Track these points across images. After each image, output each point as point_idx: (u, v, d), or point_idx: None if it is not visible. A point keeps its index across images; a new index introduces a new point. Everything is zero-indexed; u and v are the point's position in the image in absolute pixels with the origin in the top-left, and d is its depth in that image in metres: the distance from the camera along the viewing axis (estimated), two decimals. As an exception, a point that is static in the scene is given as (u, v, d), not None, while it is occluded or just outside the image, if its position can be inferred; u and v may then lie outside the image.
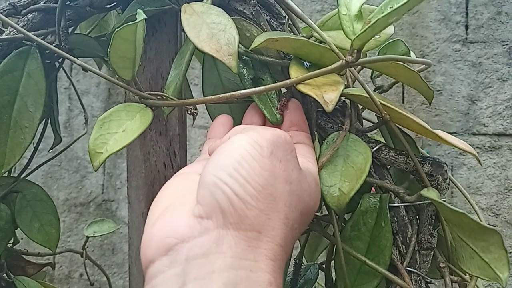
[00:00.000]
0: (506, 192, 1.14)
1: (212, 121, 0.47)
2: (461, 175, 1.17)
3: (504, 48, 1.10)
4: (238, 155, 0.27)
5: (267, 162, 0.27)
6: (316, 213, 0.39)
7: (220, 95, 0.33)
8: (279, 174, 0.27)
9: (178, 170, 0.53)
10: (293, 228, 0.27)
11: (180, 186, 0.29)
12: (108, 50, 0.34)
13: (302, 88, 0.32)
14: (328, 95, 0.31)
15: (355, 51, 0.29)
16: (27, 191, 0.56)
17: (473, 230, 0.32)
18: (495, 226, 1.15)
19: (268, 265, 0.25)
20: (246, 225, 0.25)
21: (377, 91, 0.41)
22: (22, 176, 0.56)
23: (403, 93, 1.18)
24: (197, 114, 0.38)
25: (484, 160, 1.18)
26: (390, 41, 0.39)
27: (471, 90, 1.15)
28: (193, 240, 0.25)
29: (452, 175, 1.07)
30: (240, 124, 0.45)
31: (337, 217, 0.37)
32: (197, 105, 0.65)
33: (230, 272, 0.24)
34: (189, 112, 0.37)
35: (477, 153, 1.21)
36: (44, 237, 0.55)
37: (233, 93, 0.33)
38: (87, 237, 0.74)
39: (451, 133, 1.31)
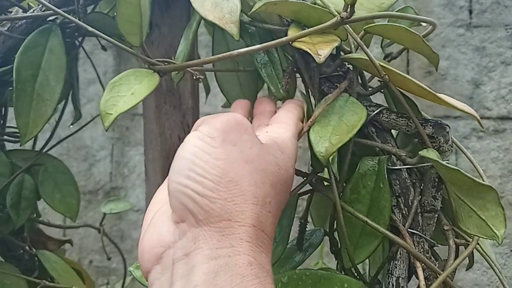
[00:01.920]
0: (510, 175, 1.13)
1: (223, 93, 0.47)
2: (465, 159, 1.16)
3: (508, 32, 1.08)
4: (191, 155, 0.27)
5: (220, 151, 0.27)
6: (319, 174, 0.39)
7: (220, 55, 0.33)
8: (235, 158, 0.27)
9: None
10: (266, 203, 0.27)
11: (166, 191, 0.29)
12: (115, 14, 0.34)
13: (297, 44, 0.32)
14: (321, 49, 0.31)
15: (349, 6, 0.29)
16: (49, 164, 0.57)
17: (470, 188, 0.31)
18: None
19: (245, 247, 0.25)
20: (214, 217, 0.25)
21: (386, 59, 0.41)
22: (44, 151, 0.57)
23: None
24: (202, 79, 0.38)
25: (488, 144, 1.16)
26: (400, 8, 0.39)
27: (475, 74, 1.14)
28: (175, 244, 0.26)
29: (456, 158, 1.06)
30: (252, 94, 0.46)
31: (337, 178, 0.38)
32: (206, 92, 0.66)
33: (209, 263, 0.24)
34: (194, 77, 0.37)
35: (481, 136, 1.20)
36: (65, 207, 0.56)
37: (231, 52, 0.33)
38: (104, 214, 0.75)
39: (455, 117, 1.30)
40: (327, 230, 0.43)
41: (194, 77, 0.36)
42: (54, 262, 0.62)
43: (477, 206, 0.32)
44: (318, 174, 0.39)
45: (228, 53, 0.33)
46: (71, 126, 0.58)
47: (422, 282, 0.33)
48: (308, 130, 0.34)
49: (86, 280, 0.71)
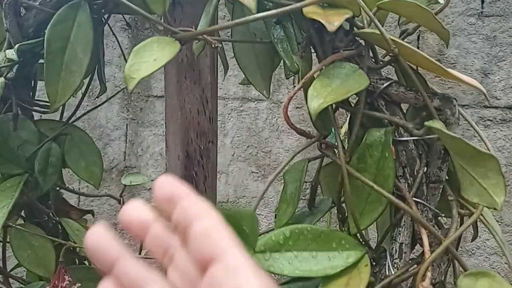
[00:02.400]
0: (516, 164, 1.14)
1: (241, 68, 0.49)
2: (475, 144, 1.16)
3: (519, 22, 1.07)
4: None
5: None
6: (325, 140, 0.41)
7: (237, 20, 0.35)
8: None
9: (210, 117, 0.56)
10: None
11: None
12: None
13: (311, 15, 0.34)
14: (333, 19, 0.33)
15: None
16: (75, 134, 0.59)
17: (472, 157, 0.33)
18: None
19: None
20: None
21: (401, 37, 0.42)
22: (70, 122, 0.60)
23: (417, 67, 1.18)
24: (220, 48, 0.40)
25: (494, 133, 1.17)
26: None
27: (485, 63, 1.14)
28: None
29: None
30: (268, 70, 0.47)
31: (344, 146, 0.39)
32: (224, 69, 0.67)
33: None
34: (213, 45, 0.38)
35: (488, 125, 1.20)
36: (89, 175, 0.58)
37: (247, 18, 0.35)
38: (125, 186, 0.78)
39: (463, 105, 1.30)
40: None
41: (213, 45, 0.38)
42: (77, 230, 0.65)
43: (478, 174, 0.33)
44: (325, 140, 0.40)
45: (244, 18, 0.35)
46: (97, 99, 0.61)
47: (427, 248, 0.35)
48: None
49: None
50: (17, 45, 0.48)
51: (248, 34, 0.45)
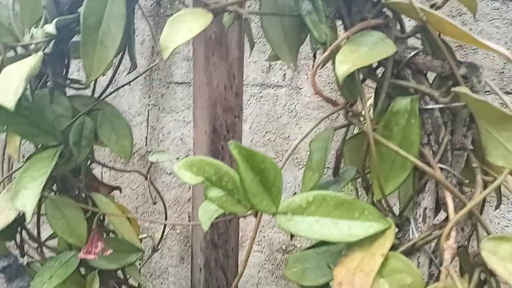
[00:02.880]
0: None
1: (268, 40, 0.50)
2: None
3: (544, 5, 1.06)
4: None
5: None
6: (351, 108, 0.42)
7: None
8: None
9: (236, 93, 0.58)
10: None
11: None
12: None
13: None
14: None
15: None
16: (106, 109, 0.61)
17: (497, 120, 0.34)
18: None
19: None
20: None
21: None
22: (101, 98, 0.62)
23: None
24: (250, 19, 0.41)
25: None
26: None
27: (508, 48, 1.13)
28: None
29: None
30: (295, 43, 0.48)
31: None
32: (250, 46, 0.69)
33: None
34: (244, 17, 0.39)
35: (510, 110, 1.19)
36: (120, 148, 0.60)
37: None
38: (152, 163, 0.80)
39: (485, 92, 1.29)
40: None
41: (243, 17, 0.39)
42: (106, 204, 0.68)
43: (504, 138, 0.34)
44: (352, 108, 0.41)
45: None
46: (128, 75, 0.63)
47: (451, 210, 0.36)
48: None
49: (133, 223, 0.76)
50: (55, 20, 0.50)
51: (275, 7, 0.46)
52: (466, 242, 0.39)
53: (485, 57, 1.15)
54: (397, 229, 0.42)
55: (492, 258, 0.36)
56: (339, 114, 1.20)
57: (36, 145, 0.57)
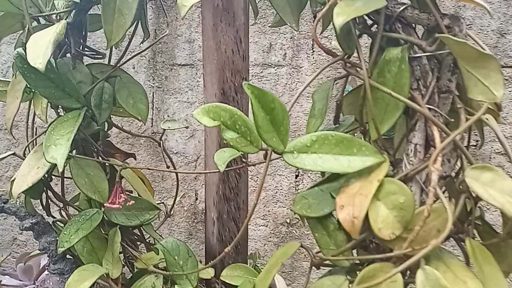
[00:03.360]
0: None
1: (272, 4, 0.55)
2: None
3: (534, -22, 1.11)
4: None
5: None
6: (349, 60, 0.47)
7: None
8: None
9: (243, 56, 0.63)
10: None
11: None
12: None
13: None
14: None
15: None
16: (123, 76, 0.67)
17: (476, 60, 0.39)
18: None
19: None
20: None
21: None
22: (118, 65, 0.67)
23: None
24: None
25: (509, 92, 1.21)
26: None
27: (501, 23, 1.17)
28: None
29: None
30: (297, 6, 0.53)
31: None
32: (255, 13, 0.73)
33: None
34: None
35: (504, 84, 1.24)
36: (137, 111, 0.66)
37: None
38: (164, 129, 0.86)
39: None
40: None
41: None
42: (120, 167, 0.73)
43: (481, 75, 0.39)
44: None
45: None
46: (142, 44, 0.68)
47: (438, 140, 0.41)
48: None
49: (148, 186, 0.82)
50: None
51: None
52: (452, 172, 0.44)
53: (479, 32, 1.20)
54: (391, 167, 0.47)
55: (475, 183, 0.41)
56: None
57: (61, 107, 0.62)
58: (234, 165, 0.62)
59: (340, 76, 0.49)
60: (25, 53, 0.53)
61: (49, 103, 0.61)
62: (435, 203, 0.41)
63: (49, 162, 0.54)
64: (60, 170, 0.52)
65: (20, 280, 0.80)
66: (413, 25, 0.46)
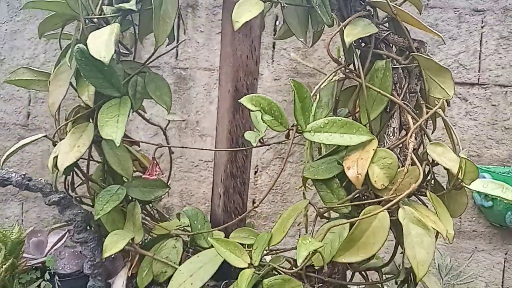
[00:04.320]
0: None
1: (287, 23, 0.73)
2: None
3: (455, 14, 1.41)
4: None
5: None
6: (349, 67, 0.67)
7: None
8: None
9: (256, 61, 0.81)
10: None
11: None
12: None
13: None
14: None
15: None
16: (150, 72, 0.81)
17: (437, 70, 0.61)
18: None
19: None
20: None
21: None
22: (146, 63, 0.81)
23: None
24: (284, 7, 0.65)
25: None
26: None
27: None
28: None
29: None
30: (305, 25, 0.73)
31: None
32: (261, 28, 0.92)
33: None
34: (281, 5, 0.63)
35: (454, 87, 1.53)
36: (163, 101, 0.80)
37: None
38: (169, 121, 1.00)
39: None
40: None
41: (281, 5, 0.62)
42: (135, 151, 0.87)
43: (439, 80, 0.61)
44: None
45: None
46: (167, 46, 0.83)
47: (411, 123, 0.62)
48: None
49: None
50: (133, 0, 0.70)
51: (293, 1, 0.70)
52: (417, 147, 0.66)
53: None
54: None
55: (433, 154, 0.63)
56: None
57: (105, 95, 0.74)
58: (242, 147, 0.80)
59: (340, 79, 0.69)
60: (86, 48, 0.67)
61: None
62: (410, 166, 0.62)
63: (105, 138, 0.68)
64: (118, 144, 0.66)
65: (32, 254, 0.89)
66: (391, 45, 0.67)
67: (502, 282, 1.47)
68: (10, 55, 1.59)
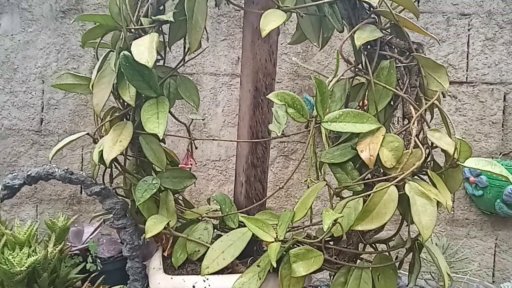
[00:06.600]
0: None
1: (301, 29, 0.86)
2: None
3: (444, 17, 1.55)
4: None
5: None
6: (359, 67, 0.80)
7: (308, 4, 0.73)
8: None
9: (274, 63, 0.93)
10: None
11: None
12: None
13: None
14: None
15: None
16: (179, 76, 0.93)
17: (434, 68, 0.74)
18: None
19: None
20: None
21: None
22: (177, 67, 0.93)
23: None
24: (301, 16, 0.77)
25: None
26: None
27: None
28: None
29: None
30: (318, 32, 0.85)
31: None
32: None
33: None
34: (300, 15, 0.75)
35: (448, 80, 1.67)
36: (193, 101, 0.92)
37: (312, 3, 0.73)
38: (192, 119, 1.12)
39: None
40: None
41: (300, 15, 0.75)
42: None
43: (436, 76, 0.74)
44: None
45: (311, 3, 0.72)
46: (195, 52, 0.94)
47: (413, 112, 0.75)
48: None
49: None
50: (171, 12, 0.81)
51: (307, 10, 0.83)
52: (420, 132, 0.78)
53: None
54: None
55: (432, 138, 0.75)
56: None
57: (143, 96, 0.86)
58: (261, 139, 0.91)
59: (350, 77, 0.81)
60: (131, 54, 0.78)
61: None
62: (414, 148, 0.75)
63: (149, 133, 0.79)
64: (161, 137, 0.77)
65: (71, 242, 0.99)
66: (394, 47, 0.80)
67: (494, 265, 1.61)
68: (23, 64, 1.68)
